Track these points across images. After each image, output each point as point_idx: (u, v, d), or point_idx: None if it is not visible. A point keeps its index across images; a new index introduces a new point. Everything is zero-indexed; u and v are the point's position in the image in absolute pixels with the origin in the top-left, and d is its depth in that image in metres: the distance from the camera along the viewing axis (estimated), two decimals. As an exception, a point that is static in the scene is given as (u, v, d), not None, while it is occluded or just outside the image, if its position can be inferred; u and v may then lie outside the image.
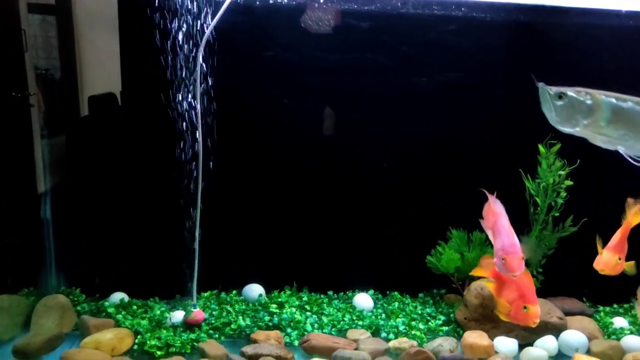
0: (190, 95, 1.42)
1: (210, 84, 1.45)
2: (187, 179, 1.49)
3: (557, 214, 1.54)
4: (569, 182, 1.49)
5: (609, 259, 1.30)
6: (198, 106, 1.39)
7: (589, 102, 1.16)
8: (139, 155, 1.54)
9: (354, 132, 1.60)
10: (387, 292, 1.69)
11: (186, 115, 1.44)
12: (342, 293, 1.67)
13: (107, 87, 1.58)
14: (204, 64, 1.39)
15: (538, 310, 1.31)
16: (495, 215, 1.34)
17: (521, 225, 1.61)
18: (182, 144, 1.45)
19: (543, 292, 1.65)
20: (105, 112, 1.61)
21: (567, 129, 1.18)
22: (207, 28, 1.36)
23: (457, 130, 1.61)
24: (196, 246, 1.51)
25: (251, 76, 1.52)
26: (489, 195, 1.39)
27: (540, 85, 1.16)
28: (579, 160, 1.49)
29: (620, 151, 1.13)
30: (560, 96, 1.16)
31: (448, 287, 1.67)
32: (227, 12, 1.33)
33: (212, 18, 1.35)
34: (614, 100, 1.14)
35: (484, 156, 1.58)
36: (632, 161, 1.12)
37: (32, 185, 1.52)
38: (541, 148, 1.51)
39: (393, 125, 1.59)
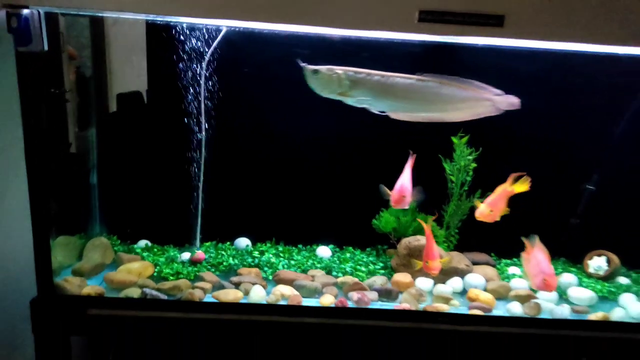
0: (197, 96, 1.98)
1: (213, 89, 2.00)
2: (193, 160, 2.04)
3: (466, 189, 2.04)
4: (474, 165, 2.00)
5: (483, 210, 1.77)
6: (202, 105, 1.95)
7: (334, 75, 1.61)
8: (158, 140, 2.09)
9: (321, 121, 2.09)
10: (343, 247, 2.18)
11: (194, 111, 2.00)
12: (308, 246, 2.16)
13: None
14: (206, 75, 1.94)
15: (435, 264, 1.79)
16: (404, 169, 1.88)
17: (443, 197, 2.16)
18: (190, 132, 2.01)
19: (460, 247, 2.14)
20: (132, 108, 2.14)
21: (327, 96, 1.65)
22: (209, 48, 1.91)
23: (399, 127, 2.11)
24: (200, 208, 2.08)
25: (239, 84, 2.04)
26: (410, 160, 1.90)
27: (302, 65, 1.61)
28: (481, 148, 2.00)
29: (366, 108, 1.64)
30: (315, 72, 1.61)
31: (389, 243, 2.17)
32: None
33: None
34: (351, 73, 1.61)
35: (416, 144, 2.07)
36: (377, 112, 1.64)
37: (84, 162, 2.08)
38: (454, 139, 2.01)
39: (349, 116, 2.08)
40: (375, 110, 1.65)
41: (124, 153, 2.09)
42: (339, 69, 1.63)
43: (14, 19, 1.39)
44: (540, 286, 1.72)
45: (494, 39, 1.44)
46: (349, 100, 1.66)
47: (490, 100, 1.64)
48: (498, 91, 1.65)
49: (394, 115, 1.67)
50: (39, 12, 1.45)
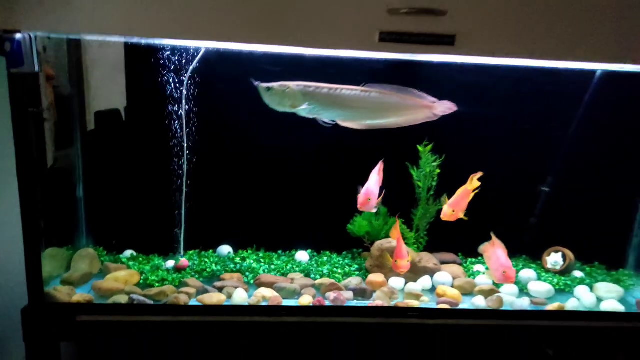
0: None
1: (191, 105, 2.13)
2: (175, 174, 2.15)
3: (432, 193, 2.20)
4: (438, 171, 2.16)
5: (446, 211, 1.93)
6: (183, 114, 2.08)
7: (287, 90, 1.77)
8: (139, 156, 2.19)
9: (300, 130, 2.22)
10: (320, 251, 2.30)
11: (175, 123, 2.12)
12: (288, 251, 2.29)
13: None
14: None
15: (403, 263, 1.94)
16: (371, 175, 2.02)
17: (412, 202, 2.31)
18: (172, 146, 2.13)
19: (429, 248, 2.29)
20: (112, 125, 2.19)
21: (281, 110, 1.80)
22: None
23: (370, 137, 2.26)
24: (183, 217, 2.19)
25: (216, 100, 2.14)
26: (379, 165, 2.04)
27: (256, 84, 1.78)
28: (444, 155, 2.17)
29: (316, 118, 1.80)
30: (269, 89, 1.77)
31: (363, 247, 2.30)
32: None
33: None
34: (302, 87, 1.78)
35: (387, 153, 2.20)
36: (323, 124, 1.80)
37: (70, 177, 2.17)
38: (420, 148, 2.17)
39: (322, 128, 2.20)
40: (325, 119, 1.81)
41: (107, 168, 2.19)
42: (291, 84, 1.79)
43: (7, 44, 1.50)
44: (500, 279, 1.87)
45: (446, 56, 1.61)
46: (301, 112, 1.81)
47: (428, 107, 1.82)
48: (433, 99, 1.84)
49: (342, 123, 1.83)
50: (30, 36, 1.57)
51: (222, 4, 1.54)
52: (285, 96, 1.79)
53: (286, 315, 1.83)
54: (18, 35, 1.53)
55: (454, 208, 1.92)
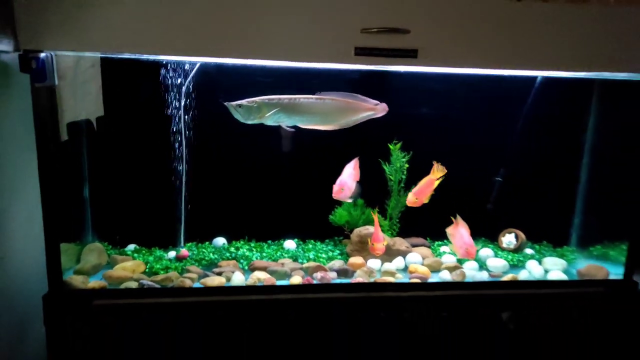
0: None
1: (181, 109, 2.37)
2: (173, 173, 2.39)
3: (403, 185, 2.51)
4: (407, 165, 2.47)
5: (410, 198, 2.24)
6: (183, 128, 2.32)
7: (254, 105, 2.05)
8: (140, 158, 2.42)
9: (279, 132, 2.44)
10: (306, 240, 2.57)
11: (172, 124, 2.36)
12: (277, 241, 2.54)
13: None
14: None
15: (379, 246, 2.24)
16: (345, 167, 2.30)
17: (386, 194, 2.61)
18: (170, 148, 2.37)
19: (401, 234, 2.59)
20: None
21: (250, 122, 2.07)
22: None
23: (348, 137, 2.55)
24: (183, 213, 2.43)
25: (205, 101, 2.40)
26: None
27: (226, 104, 2.04)
28: (412, 152, 2.49)
29: (280, 125, 2.10)
30: (239, 106, 2.04)
31: (343, 234, 2.57)
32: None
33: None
34: (267, 100, 2.06)
35: (363, 150, 2.50)
36: (287, 129, 2.10)
37: (77, 178, 2.37)
38: (391, 146, 2.47)
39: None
40: (287, 125, 2.11)
41: (110, 168, 2.40)
42: (257, 99, 2.06)
43: (34, 62, 1.72)
44: (463, 254, 2.19)
45: (411, 67, 1.92)
46: (267, 122, 2.09)
47: (371, 109, 2.14)
48: (375, 101, 2.15)
49: (303, 125, 2.12)
50: (51, 55, 1.79)
51: (219, 22, 1.80)
52: (253, 110, 2.07)
53: (280, 293, 2.09)
54: (42, 55, 1.75)
55: (417, 196, 2.22)
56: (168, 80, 2.26)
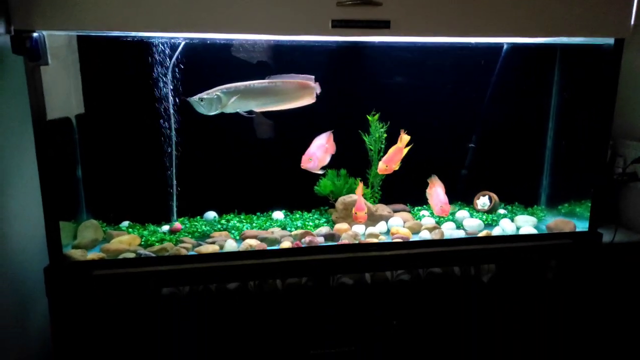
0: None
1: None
2: (164, 153, 2.49)
3: (382, 155, 2.64)
4: (385, 135, 2.61)
5: (380, 166, 2.38)
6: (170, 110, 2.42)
7: (215, 96, 2.17)
8: (131, 140, 2.52)
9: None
10: (293, 211, 2.72)
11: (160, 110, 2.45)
12: (265, 213, 2.69)
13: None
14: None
15: (361, 215, 2.38)
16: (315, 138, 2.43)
17: (367, 163, 2.75)
18: (157, 129, 2.46)
19: (383, 201, 2.75)
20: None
21: (213, 113, 2.18)
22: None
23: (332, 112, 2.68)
24: (174, 189, 2.53)
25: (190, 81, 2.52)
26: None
27: (188, 99, 2.16)
28: (389, 122, 2.63)
29: (238, 112, 2.22)
30: (201, 99, 2.16)
31: (329, 204, 2.71)
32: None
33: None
34: (225, 90, 2.19)
35: (345, 123, 2.65)
36: (245, 115, 2.24)
37: (70, 158, 2.44)
38: (369, 117, 2.61)
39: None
40: (244, 111, 2.25)
41: (101, 148, 2.48)
42: (216, 90, 2.19)
43: (27, 41, 1.81)
44: (439, 212, 2.34)
45: (384, 37, 2.06)
46: (228, 110, 2.19)
47: (313, 88, 2.31)
48: (314, 83, 2.32)
49: (258, 109, 2.26)
50: (42, 35, 1.87)
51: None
52: (214, 101, 2.19)
53: (272, 257, 2.21)
54: (35, 34, 1.83)
55: (386, 163, 2.37)
56: (157, 58, 2.35)
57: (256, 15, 1.94)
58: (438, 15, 2.06)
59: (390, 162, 2.38)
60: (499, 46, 2.61)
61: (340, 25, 1.98)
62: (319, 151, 2.40)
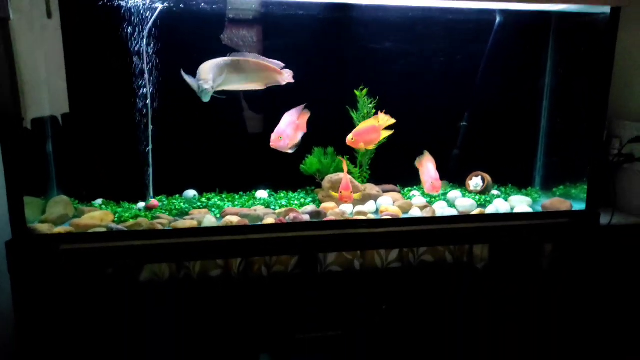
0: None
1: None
2: (140, 128, 2.35)
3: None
4: (374, 111, 2.51)
5: (348, 137, 2.22)
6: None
7: (210, 87, 2.02)
8: (106, 114, 2.39)
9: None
10: (278, 191, 2.60)
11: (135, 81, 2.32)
12: (248, 192, 2.57)
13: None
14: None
15: (347, 195, 2.21)
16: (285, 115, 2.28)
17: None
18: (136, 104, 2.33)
19: (372, 181, 2.64)
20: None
21: (205, 87, 2.01)
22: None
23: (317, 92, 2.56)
24: (151, 165, 2.38)
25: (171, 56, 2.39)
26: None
27: (183, 75, 2.04)
28: (377, 97, 2.53)
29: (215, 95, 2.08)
30: (205, 90, 2.02)
31: (315, 184, 2.59)
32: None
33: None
34: (215, 67, 2.08)
35: (332, 102, 2.54)
36: (218, 97, 2.10)
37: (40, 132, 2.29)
38: (357, 92, 2.50)
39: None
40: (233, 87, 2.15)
41: (74, 123, 2.34)
42: (202, 77, 2.04)
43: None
44: (429, 189, 2.23)
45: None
46: (205, 97, 2.06)
47: (277, 72, 2.20)
48: (280, 63, 2.21)
49: (226, 88, 2.14)
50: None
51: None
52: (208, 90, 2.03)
53: (253, 233, 2.08)
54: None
55: (355, 137, 2.23)
56: (133, 27, 2.23)
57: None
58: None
59: (359, 136, 2.23)
60: (491, 19, 2.53)
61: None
62: (289, 128, 2.23)
